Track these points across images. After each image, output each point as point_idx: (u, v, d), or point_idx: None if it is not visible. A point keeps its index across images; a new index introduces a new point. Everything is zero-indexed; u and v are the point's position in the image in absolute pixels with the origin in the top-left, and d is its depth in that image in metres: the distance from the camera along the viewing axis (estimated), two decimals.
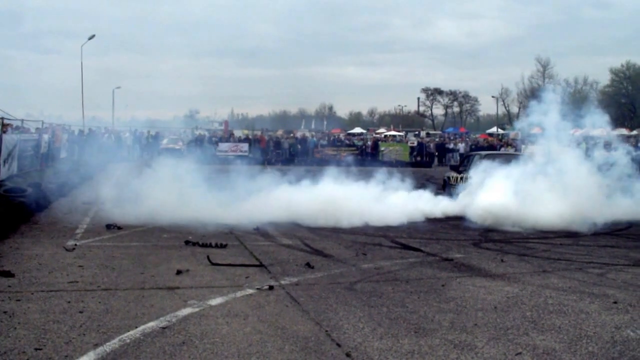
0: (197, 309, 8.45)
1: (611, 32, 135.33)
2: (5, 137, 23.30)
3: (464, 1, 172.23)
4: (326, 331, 7.64)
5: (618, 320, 8.35)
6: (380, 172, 21.09)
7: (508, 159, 22.59)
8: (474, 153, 29.02)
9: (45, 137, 32.66)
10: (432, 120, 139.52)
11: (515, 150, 43.32)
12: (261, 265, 11.63)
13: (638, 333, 7.80)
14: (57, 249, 12.71)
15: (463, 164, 26.38)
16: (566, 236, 16.19)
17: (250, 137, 60.75)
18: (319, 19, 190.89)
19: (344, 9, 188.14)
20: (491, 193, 19.03)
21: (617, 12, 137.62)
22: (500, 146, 54.50)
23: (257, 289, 9.69)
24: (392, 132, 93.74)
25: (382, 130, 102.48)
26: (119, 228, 15.44)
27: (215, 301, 8.91)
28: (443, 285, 10.24)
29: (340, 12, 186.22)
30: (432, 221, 18.81)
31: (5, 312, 8.05)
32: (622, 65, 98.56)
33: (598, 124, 24.10)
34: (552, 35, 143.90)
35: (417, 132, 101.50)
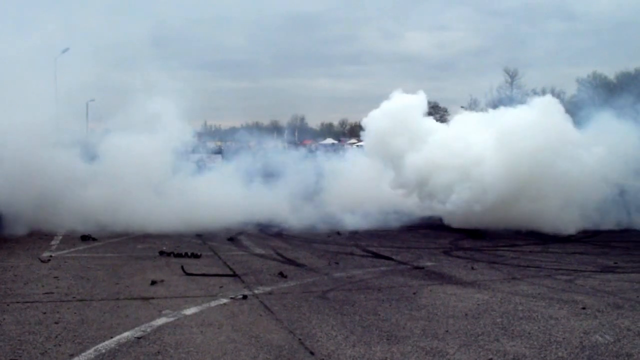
0: (171, 319, 8.50)
1: (577, 43, 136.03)
2: None
3: (433, 14, 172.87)
4: (299, 339, 7.71)
5: (587, 326, 8.48)
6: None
7: None
8: None
9: None
10: None
11: None
12: (235, 275, 11.69)
13: (606, 338, 7.93)
14: (33, 260, 12.71)
15: None
16: (535, 243, 16.37)
17: (223, 148, 60.41)
18: (291, 31, 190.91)
19: (314, 22, 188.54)
20: None
21: (582, 24, 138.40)
22: None
23: (231, 298, 9.75)
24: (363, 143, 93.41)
25: (353, 140, 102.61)
26: (94, 239, 15.45)
27: (190, 311, 8.95)
28: (414, 293, 10.34)
29: (311, 25, 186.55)
30: (404, 230, 18.95)
31: None
32: (589, 76, 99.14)
33: None
34: (519, 46, 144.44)
35: None
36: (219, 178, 22.03)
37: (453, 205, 19.01)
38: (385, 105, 22.19)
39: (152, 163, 18.78)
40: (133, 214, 17.39)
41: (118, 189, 17.90)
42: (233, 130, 46.44)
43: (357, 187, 22.50)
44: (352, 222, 19.28)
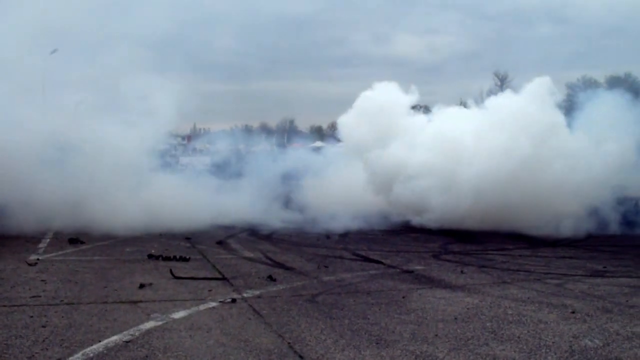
0: (160, 323, 8.45)
1: (568, 47, 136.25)
2: None
3: (423, 17, 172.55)
4: (289, 343, 7.68)
5: (576, 330, 8.47)
6: None
7: None
8: None
9: None
10: None
11: None
12: (224, 278, 11.66)
13: (595, 342, 7.92)
14: (20, 263, 12.64)
15: None
16: (525, 247, 16.40)
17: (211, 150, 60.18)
18: (280, 34, 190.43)
19: (304, 25, 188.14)
20: None
21: (572, 27, 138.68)
22: None
23: (220, 302, 9.71)
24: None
25: (341, 143, 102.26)
26: (82, 242, 15.39)
27: (179, 314, 8.91)
28: (404, 297, 10.32)
29: (301, 28, 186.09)
30: (393, 233, 18.96)
31: None
32: (579, 80, 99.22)
33: None
34: (510, 50, 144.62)
35: None
36: (190, 179, 22.12)
37: (429, 222, 19.02)
38: (357, 102, 21.98)
39: (130, 158, 18.81)
40: (99, 210, 17.45)
41: (88, 183, 17.92)
42: (223, 133, 46.22)
43: (341, 189, 22.42)
44: (340, 224, 19.32)
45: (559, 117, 19.90)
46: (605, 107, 20.34)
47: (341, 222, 19.53)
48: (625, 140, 19.32)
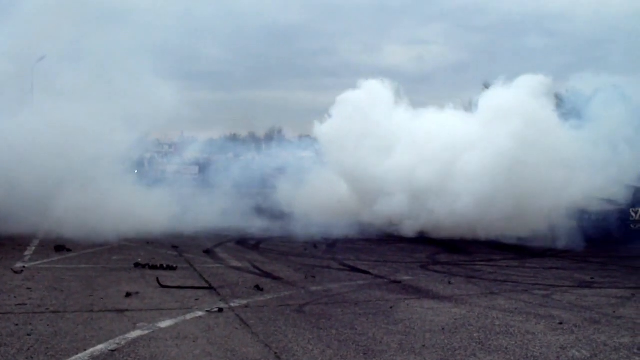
0: (146, 332, 8.40)
1: (556, 57, 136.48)
2: None
3: (412, 28, 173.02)
4: (275, 353, 7.65)
5: (563, 341, 8.47)
6: None
7: None
8: None
9: None
10: None
11: None
12: (211, 287, 11.61)
13: (583, 353, 7.92)
14: (5, 271, 12.54)
15: None
16: (512, 258, 16.41)
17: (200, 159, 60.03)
18: (269, 43, 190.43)
19: (293, 34, 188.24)
20: None
21: (560, 40, 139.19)
22: None
23: (207, 311, 9.66)
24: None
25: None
26: (68, 250, 15.29)
27: (165, 323, 8.86)
28: (391, 307, 10.30)
29: (290, 37, 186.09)
30: (381, 244, 18.93)
31: None
32: (567, 91, 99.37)
33: None
34: (498, 61, 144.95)
35: None
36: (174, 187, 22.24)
37: (409, 233, 19.02)
38: (334, 108, 21.78)
39: (109, 158, 18.85)
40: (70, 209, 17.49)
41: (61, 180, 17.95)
42: (210, 142, 46.11)
43: (326, 198, 22.36)
44: (327, 234, 19.34)
45: (556, 119, 19.79)
46: (604, 110, 20.05)
47: (328, 231, 19.52)
48: (624, 149, 19.16)
